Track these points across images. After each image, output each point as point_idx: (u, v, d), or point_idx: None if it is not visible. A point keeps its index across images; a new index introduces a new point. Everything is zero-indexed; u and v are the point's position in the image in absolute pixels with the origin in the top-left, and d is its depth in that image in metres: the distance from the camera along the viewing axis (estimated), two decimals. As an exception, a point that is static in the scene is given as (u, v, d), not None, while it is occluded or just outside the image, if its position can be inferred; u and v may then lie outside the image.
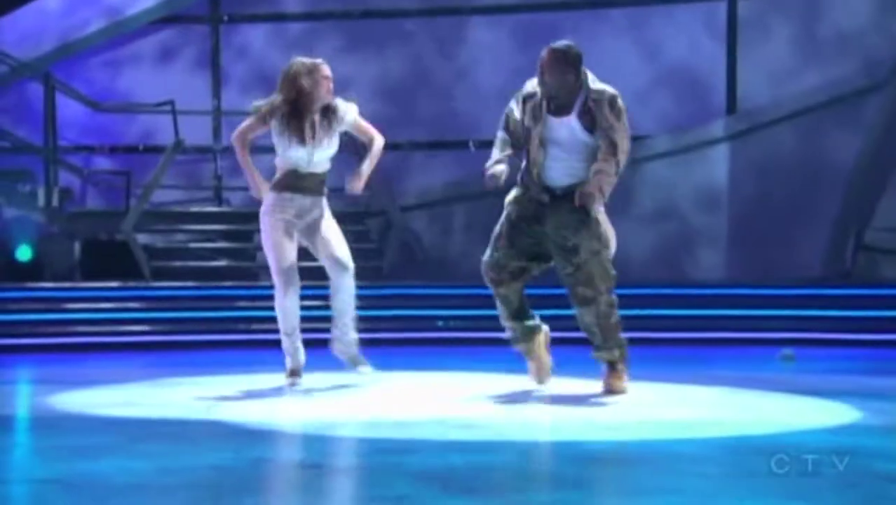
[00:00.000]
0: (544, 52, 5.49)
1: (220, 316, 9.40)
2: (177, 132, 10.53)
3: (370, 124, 6.02)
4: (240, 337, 9.20)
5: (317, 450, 4.36)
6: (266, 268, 5.99)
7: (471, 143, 11.28)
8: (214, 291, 9.70)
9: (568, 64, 5.45)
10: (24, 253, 10.33)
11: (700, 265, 10.66)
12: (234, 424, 4.76)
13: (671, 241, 10.79)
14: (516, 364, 5.95)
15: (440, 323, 9.38)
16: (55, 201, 10.07)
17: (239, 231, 10.70)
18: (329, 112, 5.82)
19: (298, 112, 5.73)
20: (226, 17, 11.42)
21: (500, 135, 5.63)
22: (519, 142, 5.56)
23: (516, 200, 5.63)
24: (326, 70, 5.80)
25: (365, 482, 3.71)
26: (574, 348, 5.99)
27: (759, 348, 8.58)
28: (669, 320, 9.45)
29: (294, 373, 5.84)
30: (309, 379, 5.89)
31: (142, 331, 8.87)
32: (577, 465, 3.94)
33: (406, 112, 11.16)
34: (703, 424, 4.84)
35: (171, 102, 10.59)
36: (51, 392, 5.77)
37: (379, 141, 6.00)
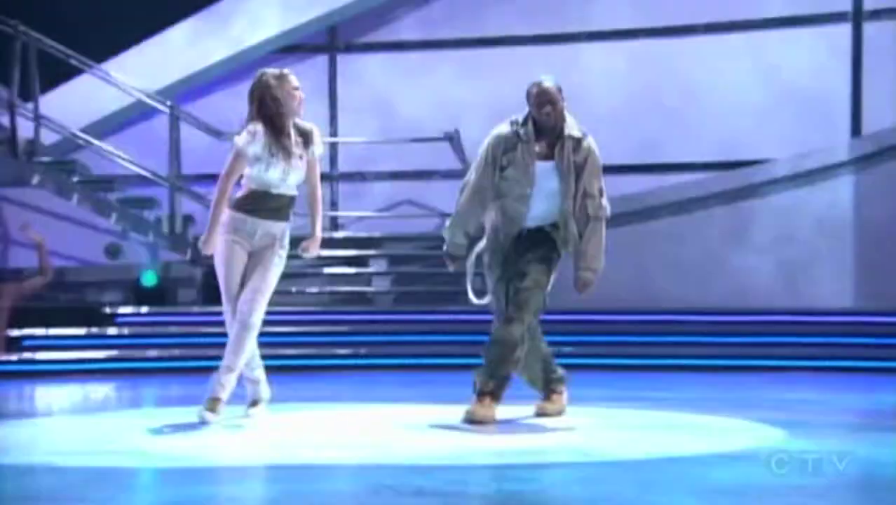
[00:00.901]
0: (546, 86, 5.41)
1: (338, 340, 9.52)
2: (295, 160, 10.70)
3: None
4: (353, 362, 9.31)
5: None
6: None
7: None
8: (333, 315, 9.84)
9: (562, 100, 5.46)
10: (149, 279, 10.63)
11: (823, 292, 10.37)
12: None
13: (793, 267, 10.52)
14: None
15: (559, 350, 9.31)
16: (178, 228, 10.34)
17: (355, 257, 10.82)
18: (304, 133, 5.47)
19: (278, 128, 5.35)
20: (343, 46, 11.62)
21: (476, 182, 5.49)
22: (499, 191, 5.46)
23: (492, 251, 5.56)
24: (294, 80, 5.46)
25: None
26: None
27: (885, 378, 8.30)
28: (790, 347, 9.24)
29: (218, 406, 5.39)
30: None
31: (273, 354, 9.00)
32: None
33: (520, 138, 11.15)
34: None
35: (290, 131, 10.78)
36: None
37: (320, 194, 5.62)
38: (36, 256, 9.43)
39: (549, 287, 5.56)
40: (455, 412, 5.47)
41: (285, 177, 5.45)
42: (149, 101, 10.72)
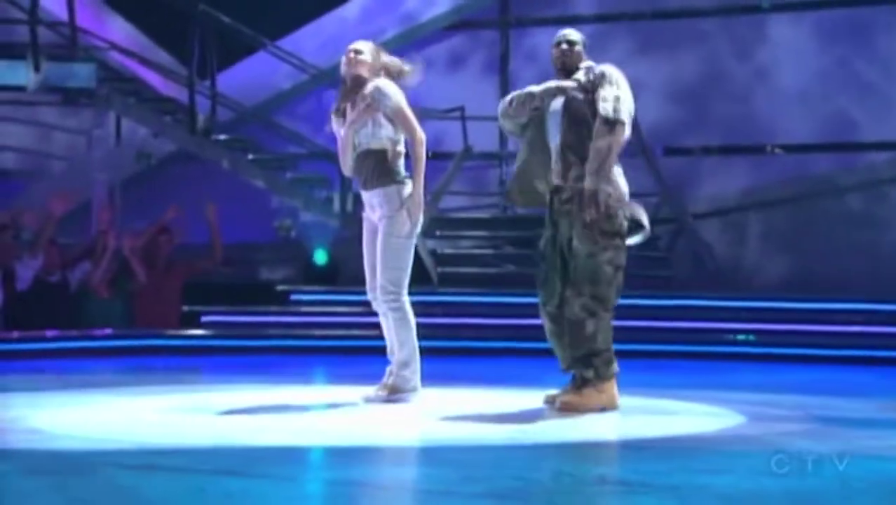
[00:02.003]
0: (566, 32, 5.33)
1: (507, 324, 9.32)
2: (465, 138, 10.55)
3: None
4: (525, 346, 9.08)
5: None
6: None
7: (769, 148, 10.66)
8: (500, 298, 9.64)
9: (581, 45, 5.35)
10: (320, 257, 10.68)
11: None
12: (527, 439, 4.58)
13: None
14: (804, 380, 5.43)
15: (732, 337, 8.90)
16: (349, 206, 10.32)
17: (525, 237, 10.58)
18: (368, 92, 5.41)
19: (341, 92, 5.54)
20: (515, 21, 11.36)
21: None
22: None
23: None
24: (352, 45, 5.51)
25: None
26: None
27: None
28: None
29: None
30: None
31: (427, 335, 8.91)
32: None
33: (699, 115, 10.71)
34: None
35: (461, 109, 10.62)
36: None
37: (414, 150, 5.39)
38: (209, 236, 9.57)
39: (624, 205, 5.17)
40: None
41: (355, 136, 5.40)
42: (321, 78, 10.73)
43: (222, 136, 10.47)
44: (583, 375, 5.16)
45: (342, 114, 5.50)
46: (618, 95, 5.12)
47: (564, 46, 5.29)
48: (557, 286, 5.20)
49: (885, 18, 10.28)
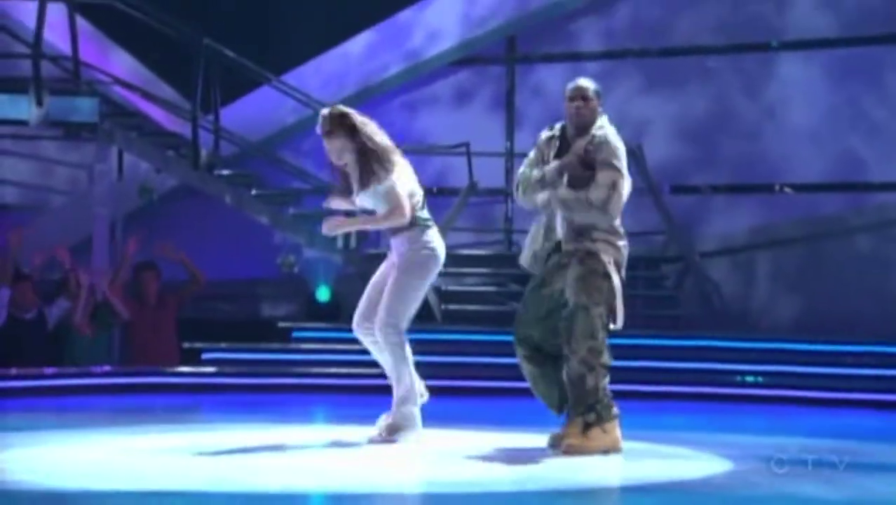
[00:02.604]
0: (581, 83, 5.26)
1: (511, 363, 9.15)
2: (471, 174, 10.46)
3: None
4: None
5: None
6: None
7: (778, 187, 10.56)
8: (504, 336, 9.49)
9: (597, 101, 5.27)
10: (322, 294, 10.57)
11: None
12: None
13: None
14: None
15: (740, 378, 8.78)
16: (353, 243, 10.22)
17: (529, 275, 10.46)
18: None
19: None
20: (521, 57, 11.30)
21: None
22: None
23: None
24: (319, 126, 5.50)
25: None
26: None
27: None
28: None
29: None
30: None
31: (432, 375, 8.78)
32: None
33: (707, 153, 10.62)
34: None
35: (466, 144, 10.55)
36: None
37: (385, 215, 5.46)
38: (184, 269, 9.50)
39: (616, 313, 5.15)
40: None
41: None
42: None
43: (225, 172, 10.39)
44: (585, 420, 5.10)
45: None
46: (614, 181, 5.10)
47: (579, 104, 5.24)
48: (535, 333, 5.24)
49: (891, 57, 10.21)
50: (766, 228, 10.44)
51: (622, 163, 5.15)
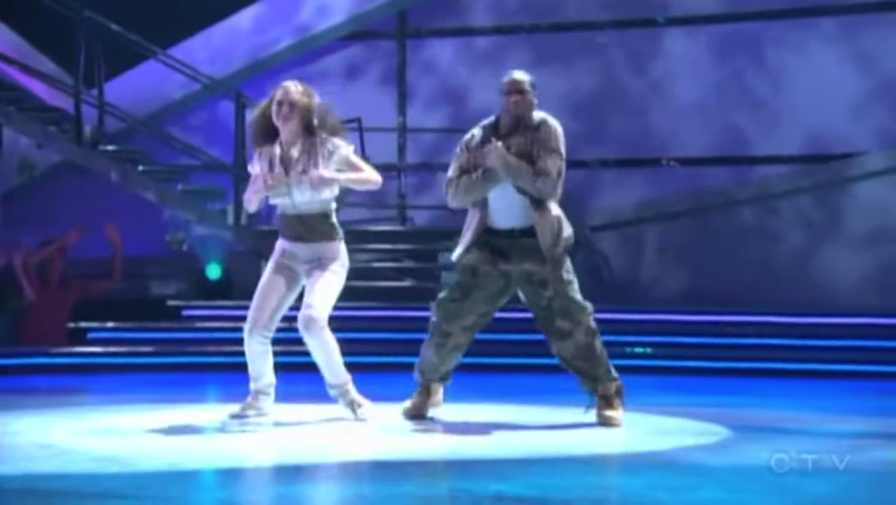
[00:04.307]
0: (516, 76, 5.34)
1: (403, 338, 9.17)
2: (363, 150, 10.41)
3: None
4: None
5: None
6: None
7: (665, 161, 10.76)
8: (398, 312, 9.51)
9: (532, 93, 5.35)
10: (213, 271, 10.42)
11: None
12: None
13: (888, 266, 9.97)
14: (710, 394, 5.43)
15: (629, 350, 8.93)
16: (244, 219, 10.09)
17: (423, 250, 10.49)
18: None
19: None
20: (413, 32, 11.28)
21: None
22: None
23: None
24: (278, 94, 5.38)
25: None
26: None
27: None
28: (885, 353, 8.72)
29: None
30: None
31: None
32: None
33: (596, 128, 10.75)
34: None
35: (358, 120, 10.49)
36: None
37: (359, 174, 5.53)
38: (111, 255, 9.29)
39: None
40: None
41: (290, 198, 5.30)
42: (214, 88, 10.49)
43: (110, 147, 10.15)
44: (605, 392, 5.36)
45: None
46: (560, 169, 5.22)
47: (517, 98, 5.30)
48: (476, 309, 5.37)
49: (774, 32, 10.47)
50: (654, 202, 10.64)
51: (564, 149, 5.30)
